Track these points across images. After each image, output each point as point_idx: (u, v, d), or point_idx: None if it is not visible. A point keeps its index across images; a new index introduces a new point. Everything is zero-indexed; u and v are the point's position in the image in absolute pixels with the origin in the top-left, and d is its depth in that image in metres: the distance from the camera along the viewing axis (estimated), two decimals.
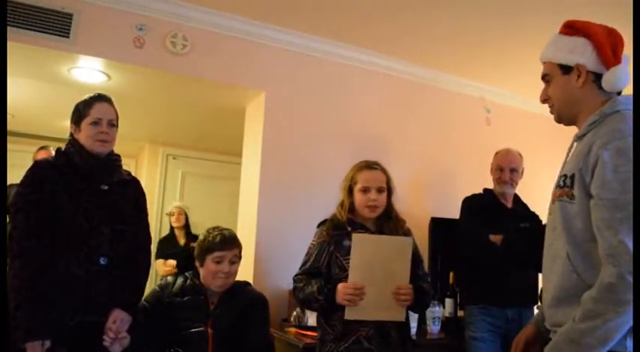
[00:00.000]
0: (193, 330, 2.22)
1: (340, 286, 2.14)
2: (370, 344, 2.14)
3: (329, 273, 2.28)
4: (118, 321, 2.01)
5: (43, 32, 2.88)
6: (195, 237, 4.56)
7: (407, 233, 2.35)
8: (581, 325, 1.33)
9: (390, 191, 2.35)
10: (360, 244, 2.16)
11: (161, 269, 4.45)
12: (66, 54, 3.04)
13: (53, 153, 3.71)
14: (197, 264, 2.38)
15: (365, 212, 2.30)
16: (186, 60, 3.24)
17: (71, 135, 2.20)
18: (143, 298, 2.32)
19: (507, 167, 3.02)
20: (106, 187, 2.15)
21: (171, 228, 4.84)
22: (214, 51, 3.33)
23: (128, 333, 2.03)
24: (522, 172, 3.08)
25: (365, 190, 2.29)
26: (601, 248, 1.34)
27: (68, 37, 2.94)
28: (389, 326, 2.17)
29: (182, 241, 4.72)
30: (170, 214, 4.85)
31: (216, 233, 2.37)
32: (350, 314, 2.13)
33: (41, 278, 1.92)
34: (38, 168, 2.09)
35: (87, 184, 2.11)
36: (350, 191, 2.34)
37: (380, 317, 2.15)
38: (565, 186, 1.49)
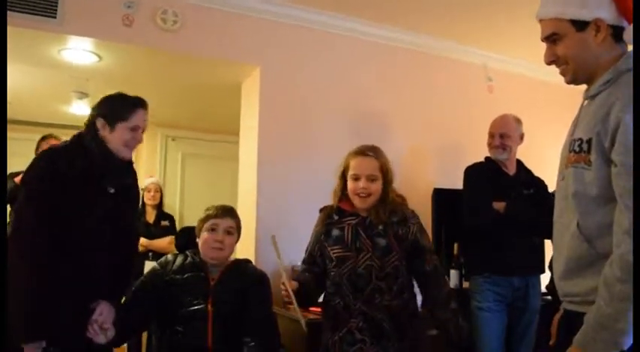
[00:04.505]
0: (194, 308, 2.21)
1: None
2: (362, 335, 2.11)
3: (324, 262, 2.27)
4: (104, 313, 1.98)
5: (29, 13, 2.83)
6: (167, 216, 4.56)
7: (403, 219, 2.22)
8: (609, 309, 1.26)
9: (386, 178, 2.23)
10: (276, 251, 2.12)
11: None
12: (54, 35, 2.99)
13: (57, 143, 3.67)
14: (197, 239, 2.40)
15: (356, 200, 2.21)
16: (178, 36, 3.17)
17: (93, 127, 2.07)
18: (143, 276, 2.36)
19: (497, 132, 2.97)
20: (112, 190, 2.09)
21: (143, 204, 4.48)
22: (206, 26, 3.26)
23: (113, 325, 2.01)
24: (522, 137, 3.01)
25: (355, 178, 2.20)
26: (625, 217, 1.26)
27: (55, 17, 2.88)
28: (380, 318, 2.12)
29: (151, 219, 4.48)
30: (146, 190, 4.51)
31: (214, 206, 2.43)
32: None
33: (43, 278, 1.86)
34: (51, 157, 2.00)
35: (97, 184, 2.04)
36: (343, 176, 2.26)
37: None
38: (581, 151, 1.40)
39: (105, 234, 2.03)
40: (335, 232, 2.23)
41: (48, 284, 1.86)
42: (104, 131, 2.06)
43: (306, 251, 2.36)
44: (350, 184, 2.21)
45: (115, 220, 2.07)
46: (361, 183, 2.17)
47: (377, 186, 2.19)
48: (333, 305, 2.20)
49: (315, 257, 2.30)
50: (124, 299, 2.24)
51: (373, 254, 2.15)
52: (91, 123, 2.09)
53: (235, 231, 2.38)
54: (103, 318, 1.96)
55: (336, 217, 2.26)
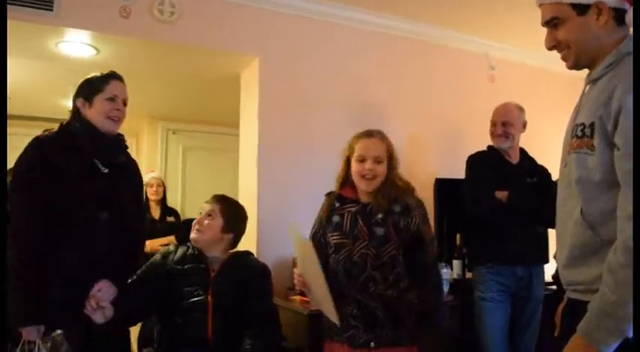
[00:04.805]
0: (193, 299, 2.20)
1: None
2: (356, 322, 2.10)
3: (326, 248, 2.24)
4: (103, 290, 1.97)
5: (26, 6, 2.80)
6: (172, 211, 4.46)
7: (406, 208, 2.17)
8: (613, 296, 1.23)
9: (391, 161, 2.20)
10: (293, 238, 2.12)
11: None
12: (51, 28, 2.96)
13: None
14: None
15: (361, 183, 2.16)
16: (176, 27, 3.14)
17: (76, 111, 2.12)
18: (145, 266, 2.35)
19: (499, 120, 2.94)
20: (106, 170, 2.09)
21: (146, 200, 4.26)
22: (204, 16, 3.22)
23: (112, 305, 1.98)
24: (524, 125, 2.98)
25: (361, 160, 2.16)
26: (629, 202, 1.24)
27: (52, 9, 2.86)
28: (374, 306, 2.10)
29: (156, 215, 4.35)
30: (148, 185, 4.34)
31: None
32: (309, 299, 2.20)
33: (38, 262, 1.88)
34: (40, 146, 2.01)
35: (88, 166, 2.05)
36: (348, 161, 2.23)
37: (322, 310, 2.13)
38: (584, 136, 1.37)
39: (101, 216, 2.03)
40: (335, 219, 2.21)
41: (43, 270, 1.88)
42: (85, 109, 2.11)
43: (309, 236, 2.32)
44: (355, 166, 2.17)
45: (109, 201, 2.06)
46: (367, 165, 2.14)
47: (382, 169, 2.16)
48: None
49: (319, 242, 2.27)
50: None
51: (369, 243, 2.12)
52: (73, 109, 2.14)
53: (218, 215, 2.37)
54: (100, 295, 1.95)
55: (337, 204, 2.24)
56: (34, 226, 1.90)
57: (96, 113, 2.09)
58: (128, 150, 2.31)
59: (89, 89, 2.12)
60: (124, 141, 2.22)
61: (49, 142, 2.03)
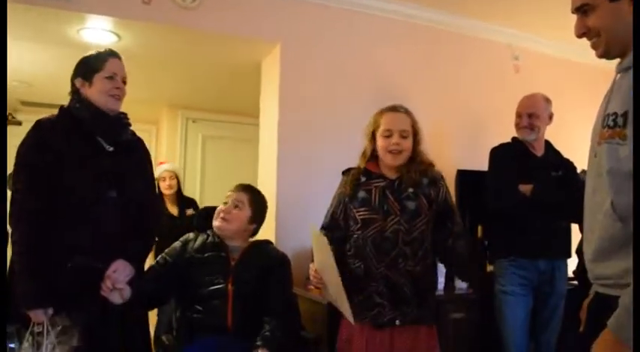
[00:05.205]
0: (213, 287, 2.20)
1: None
2: (382, 299, 2.08)
3: (347, 225, 2.21)
4: (119, 271, 1.94)
5: None
6: (190, 203, 4.25)
7: (433, 180, 2.19)
8: None
9: (416, 136, 2.20)
10: (312, 238, 2.11)
11: None
12: (73, 14, 2.96)
13: None
14: None
15: (387, 158, 2.15)
16: (197, 13, 3.12)
17: (76, 91, 2.09)
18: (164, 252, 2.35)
19: (524, 112, 2.87)
20: (111, 148, 2.08)
21: (160, 195, 4.04)
22: (225, 3, 3.21)
23: (130, 285, 1.96)
24: (551, 117, 2.91)
25: (387, 134, 2.14)
26: None
27: None
28: (402, 283, 2.08)
29: (174, 211, 4.11)
30: (160, 179, 4.07)
31: None
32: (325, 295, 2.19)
33: (44, 244, 1.87)
34: (41, 129, 1.99)
35: (92, 145, 2.03)
36: (373, 136, 2.21)
37: (337, 306, 2.09)
38: (616, 125, 1.32)
39: (110, 195, 2.01)
40: (361, 194, 2.18)
41: (45, 253, 1.86)
42: (84, 89, 2.07)
43: (327, 215, 2.30)
44: (381, 142, 2.16)
45: (117, 179, 2.04)
46: (394, 139, 2.13)
47: (409, 144, 2.16)
48: (353, 268, 2.14)
49: (338, 220, 2.24)
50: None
51: (401, 217, 2.11)
52: (72, 90, 2.10)
53: (245, 205, 2.36)
54: (116, 276, 1.93)
55: (363, 179, 2.20)
56: (29, 211, 1.89)
57: (96, 92, 2.05)
58: (144, 139, 2.30)
59: (87, 68, 2.08)
60: (126, 118, 2.19)
61: (49, 125, 2.00)
